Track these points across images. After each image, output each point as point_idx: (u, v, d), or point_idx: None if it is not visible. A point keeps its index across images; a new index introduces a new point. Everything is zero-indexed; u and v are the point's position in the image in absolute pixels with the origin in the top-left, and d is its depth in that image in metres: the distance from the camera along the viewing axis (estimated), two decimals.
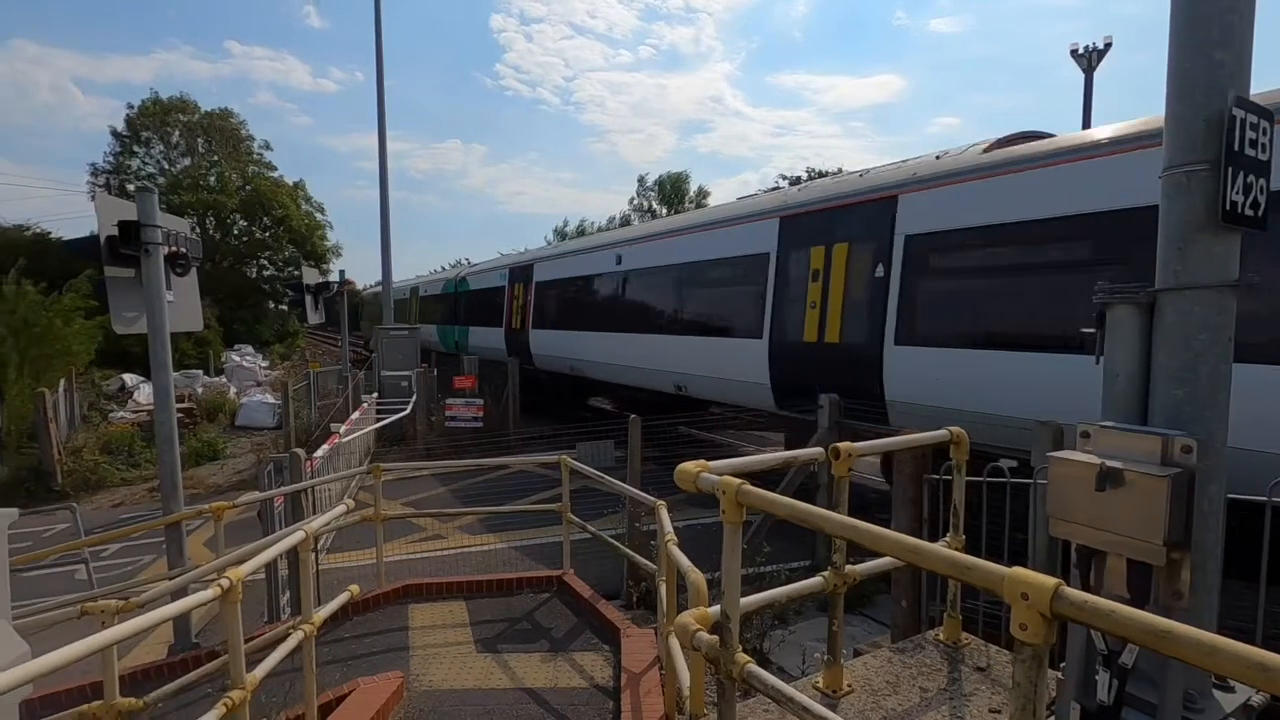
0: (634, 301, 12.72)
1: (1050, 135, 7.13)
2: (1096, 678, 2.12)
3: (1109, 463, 2.03)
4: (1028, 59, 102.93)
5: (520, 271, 17.69)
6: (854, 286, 7.85)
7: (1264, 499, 2.94)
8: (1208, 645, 1.10)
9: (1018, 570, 1.35)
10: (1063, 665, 2.28)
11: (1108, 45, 21.51)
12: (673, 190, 50.64)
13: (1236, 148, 2.03)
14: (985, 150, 7.43)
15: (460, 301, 22.66)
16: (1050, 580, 1.29)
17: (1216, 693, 2.14)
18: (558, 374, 15.70)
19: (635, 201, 52.40)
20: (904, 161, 8.66)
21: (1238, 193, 2.05)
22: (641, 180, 52.44)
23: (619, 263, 13.09)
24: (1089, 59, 21.59)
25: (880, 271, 7.48)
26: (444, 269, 34.83)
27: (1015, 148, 6.96)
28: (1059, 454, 2.20)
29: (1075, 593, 1.29)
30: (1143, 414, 2.21)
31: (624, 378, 12.85)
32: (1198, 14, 2.09)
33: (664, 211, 48.03)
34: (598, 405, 17.52)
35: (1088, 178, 5.82)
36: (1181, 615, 1.89)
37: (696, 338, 10.61)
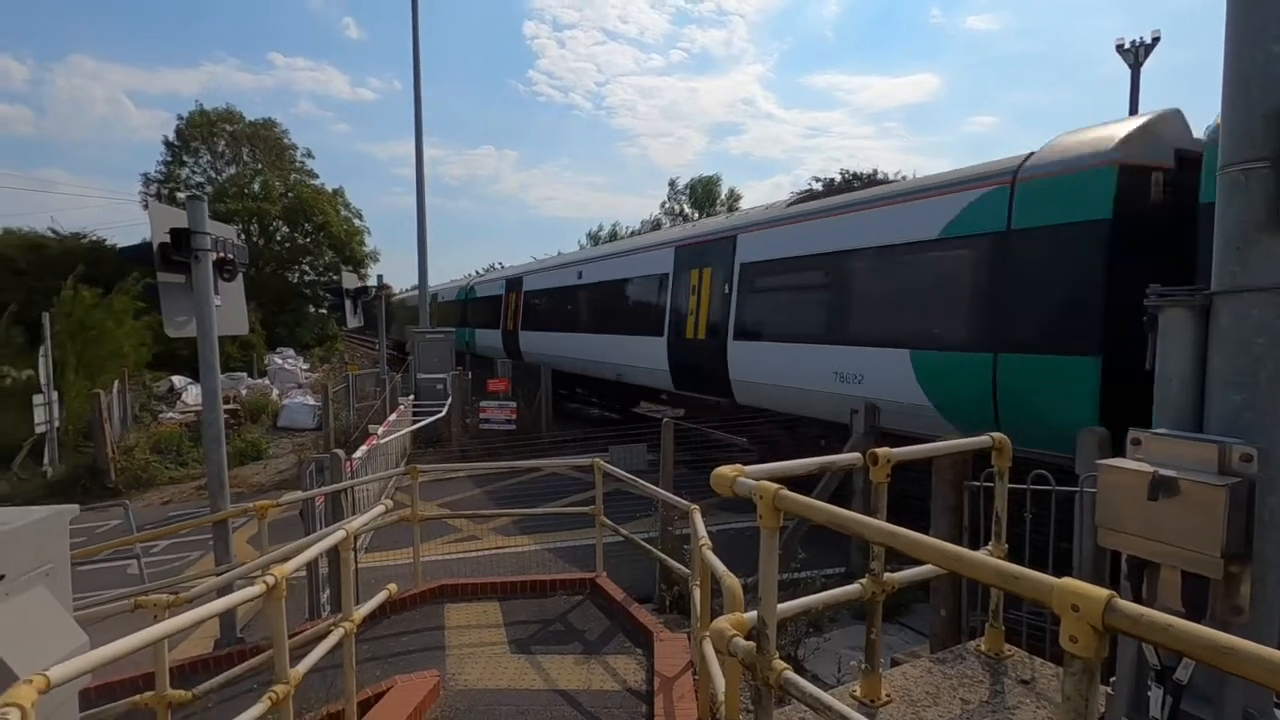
0: (587, 308, 15.88)
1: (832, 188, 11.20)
2: (1149, 694, 2.05)
3: (1162, 471, 1.97)
4: (1067, 55, 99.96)
5: (513, 282, 20.98)
6: (714, 298, 10.73)
7: None
8: (1273, 662, 1.05)
9: (1068, 581, 1.31)
10: (1113, 680, 2.21)
11: (1155, 40, 20.83)
12: (704, 194, 50.55)
13: None
14: (787, 205, 10.55)
15: (468, 308, 26.32)
16: (1103, 592, 1.26)
17: (1278, 712, 2.05)
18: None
19: (666, 205, 52.46)
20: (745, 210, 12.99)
21: None
22: (673, 184, 52.51)
23: (580, 277, 15.98)
24: (1135, 54, 20.93)
25: (726, 289, 10.38)
26: (478, 273, 36.34)
27: (794, 207, 10.12)
28: (1109, 461, 2.14)
29: (1129, 605, 1.25)
30: (1198, 421, 2.13)
31: (585, 369, 15.67)
32: (1256, 7, 2.01)
33: (695, 215, 47.96)
34: (584, 397, 19.47)
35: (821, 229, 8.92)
36: (1240, 630, 1.81)
37: (624, 336, 13.43)
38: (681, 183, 52.04)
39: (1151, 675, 2.03)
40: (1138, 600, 1.96)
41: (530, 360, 18.45)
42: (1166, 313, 2.17)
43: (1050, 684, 2.83)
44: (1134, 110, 20.06)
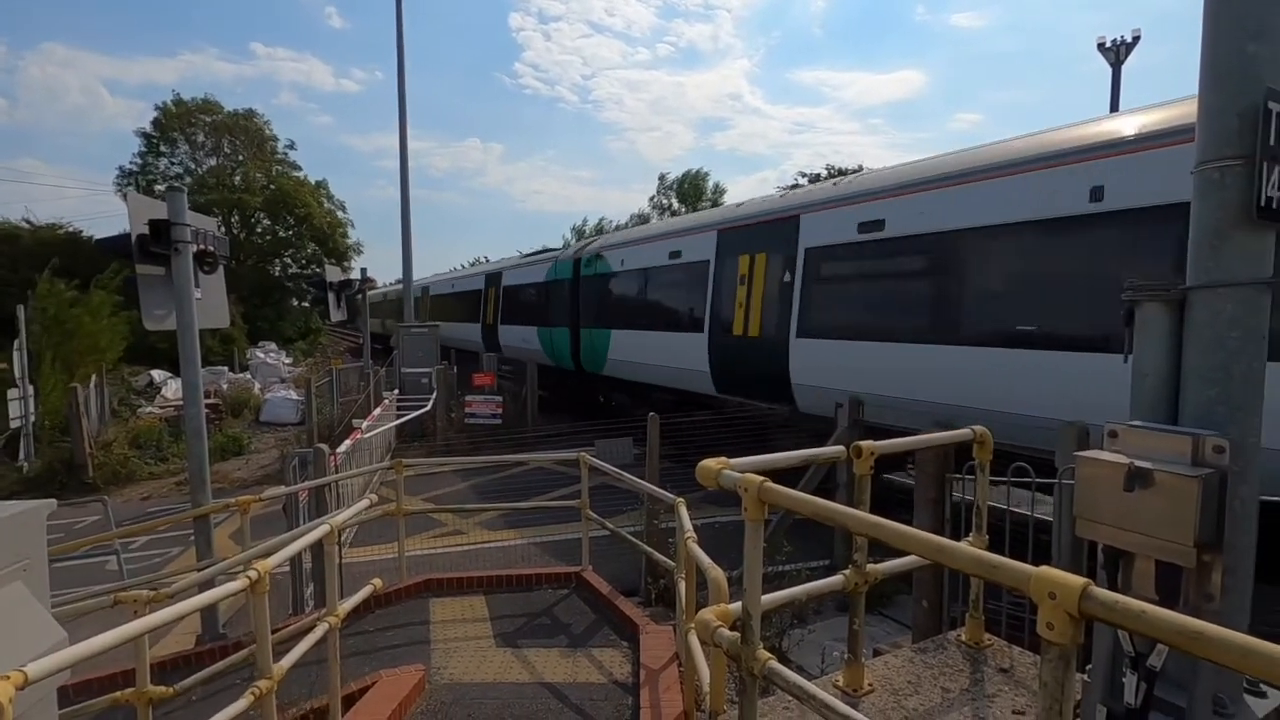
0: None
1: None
2: (1124, 680, 2.09)
3: (1138, 463, 2.00)
4: (1051, 53, 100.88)
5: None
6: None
7: None
8: (1243, 647, 1.08)
9: (1045, 569, 1.34)
10: (1088, 667, 2.25)
11: (1136, 38, 21.09)
12: (691, 189, 50.58)
13: (1273, 142, 1.99)
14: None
15: (433, 303, 27.96)
16: (1078, 580, 1.28)
17: (1248, 697, 2.10)
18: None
19: (655, 199, 52.44)
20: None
21: (1273, 188, 2.01)
22: (662, 178, 52.53)
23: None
24: (1117, 52, 21.17)
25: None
26: (461, 266, 36.96)
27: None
28: (1086, 454, 2.17)
29: (1104, 593, 1.27)
30: (1172, 414, 2.17)
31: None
32: (1231, 5, 2.05)
33: (683, 209, 47.97)
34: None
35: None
36: (1212, 617, 1.86)
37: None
38: (670, 177, 52.09)
39: (1126, 662, 2.07)
40: (1113, 589, 2.00)
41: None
42: (1143, 307, 2.21)
43: (1028, 672, 2.89)
44: (1115, 108, 20.30)
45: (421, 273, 38.22)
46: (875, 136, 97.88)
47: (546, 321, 17.15)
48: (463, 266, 42.71)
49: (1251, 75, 2.01)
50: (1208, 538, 1.90)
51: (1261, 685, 2.12)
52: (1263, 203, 1.99)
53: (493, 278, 21.65)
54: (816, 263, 8.67)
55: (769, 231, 9.65)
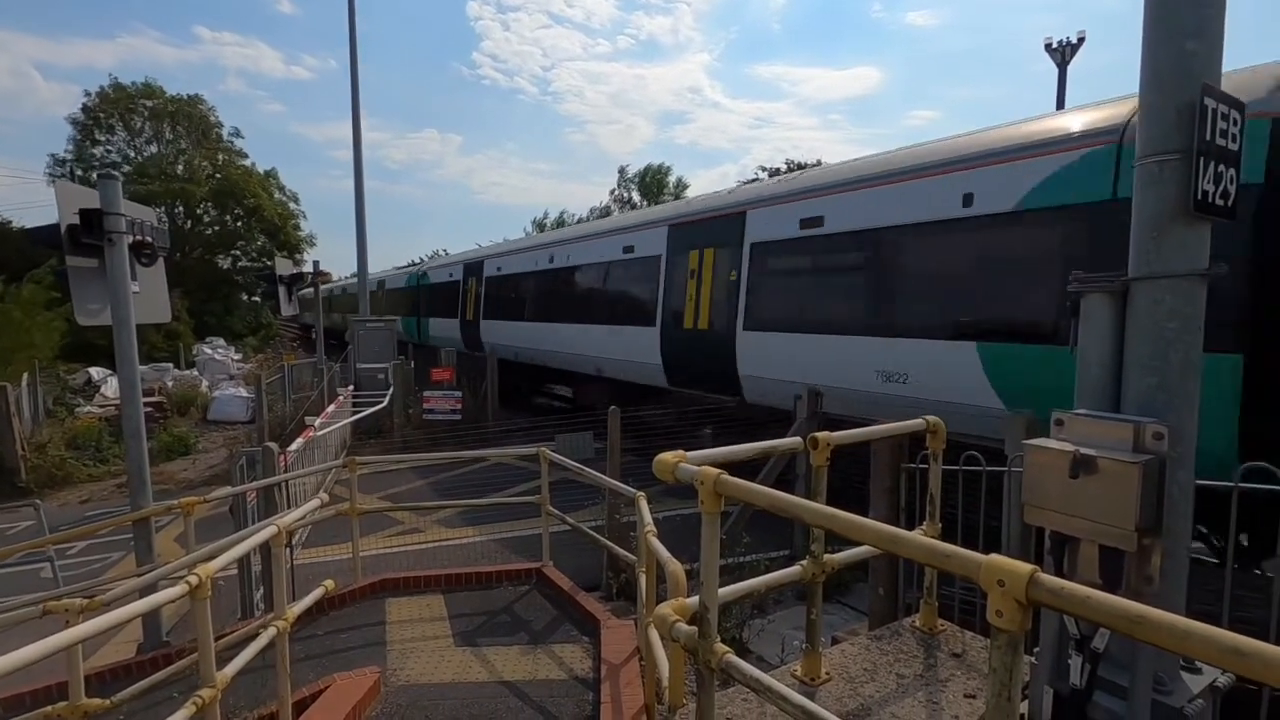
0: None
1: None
2: (1069, 662, 2.15)
3: (1082, 450, 2.05)
4: (1004, 52, 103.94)
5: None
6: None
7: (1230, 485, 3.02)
8: (1181, 630, 1.10)
9: (994, 558, 1.36)
10: (1036, 650, 2.31)
11: (1080, 39, 21.83)
12: (653, 182, 50.57)
13: (1208, 137, 2.05)
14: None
15: (385, 299, 28.06)
16: (1026, 567, 1.30)
17: (1184, 674, 2.18)
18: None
19: (616, 193, 52.26)
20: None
21: (1209, 182, 2.07)
22: (622, 171, 52.34)
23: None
24: (1063, 53, 21.88)
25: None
26: (423, 258, 37.18)
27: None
28: (1034, 442, 2.22)
29: (1051, 579, 1.29)
30: (1116, 402, 2.23)
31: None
32: (1171, 3, 2.10)
33: (644, 203, 47.94)
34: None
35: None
36: (1152, 599, 1.92)
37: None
38: (631, 170, 51.97)
39: (1071, 644, 2.13)
40: (1059, 574, 2.05)
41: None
42: (1088, 298, 2.27)
43: (980, 656, 2.95)
44: (1060, 106, 20.98)
45: (378, 266, 37.52)
46: (834, 132, 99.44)
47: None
48: (423, 259, 42.54)
49: (1190, 72, 2.07)
50: (1148, 522, 1.96)
51: (1197, 662, 2.20)
52: (1199, 196, 2.06)
53: (472, 267, 20.69)
54: (773, 256, 8.88)
55: (717, 227, 9.86)
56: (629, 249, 11.95)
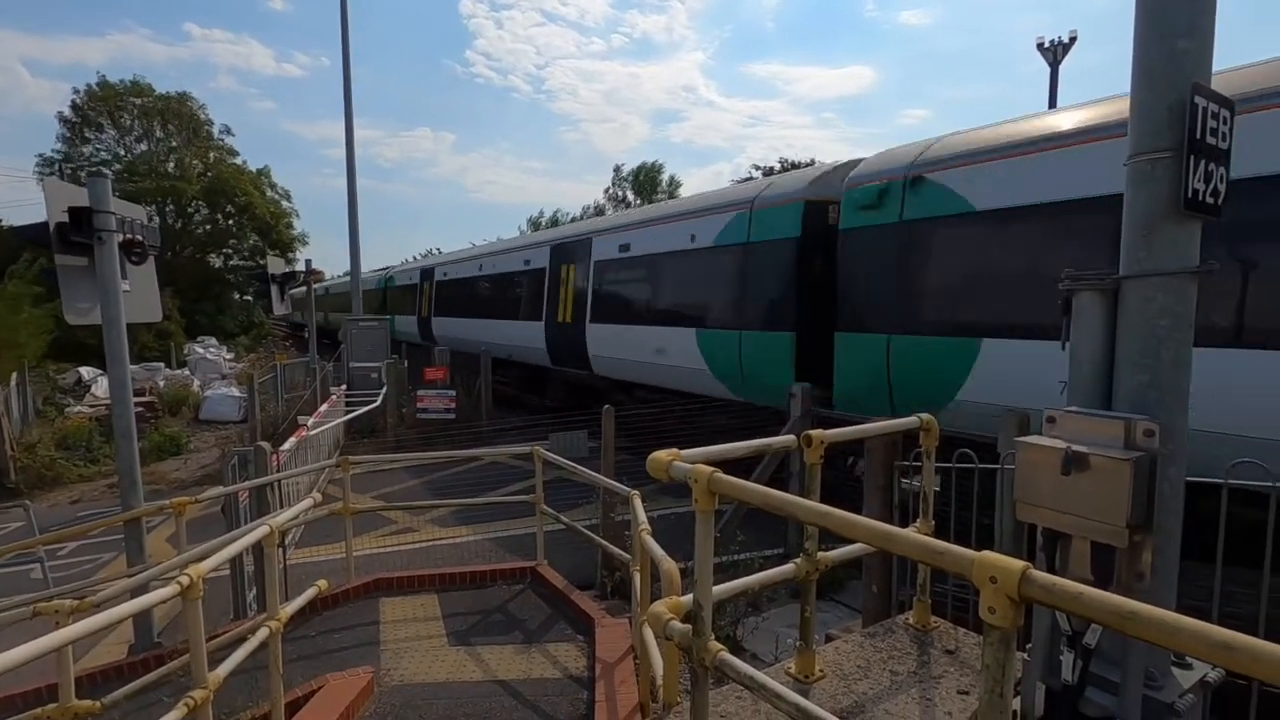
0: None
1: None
2: (1061, 658, 2.16)
3: (1074, 447, 2.06)
4: (997, 52, 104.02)
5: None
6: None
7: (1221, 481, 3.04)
8: (1172, 626, 1.11)
9: (987, 554, 1.36)
10: (1029, 646, 2.32)
11: (1073, 39, 21.91)
12: (646, 181, 50.59)
13: (1199, 136, 2.06)
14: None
15: (386, 295, 30.36)
16: (1018, 564, 1.30)
17: (1175, 670, 2.20)
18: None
19: (610, 191, 52.25)
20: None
21: (1199, 180, 2.08)
22: (617, 170, 52.41)
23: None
24: (1054, 52, 21.96)
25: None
26: (415, 258, 37.87)
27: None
28: (1027, 439, 2.23)
29: (1043, 576, 1.30)
30: (1107, 399, 2.24)
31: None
32: (1162, 4, 2.11)
33: (638, 201, 47.97)
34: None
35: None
36: (1143, 595, 1.93)
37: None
38: (626, 169, 51.97)
39: (1063, 640, 2.14)
40: (1051, 571, 2.06)
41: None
42: (1079, 296, 2.27)
43: (973, 652, 2.97)
44: (1053, 105, 21.07)
45: (370, 265, 37.52)
46: (828, 130, 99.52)
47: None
48: (416, 257, 42.95)
49: (1181, 71, 2.08)
50: (1139, 519, 1.97)
51: (1187, 658, 2.21)
52: (1189, 194, 2.07)
53: (426, 272, 25.28)
54: (603, 271, 12.46)
55: (577, 248, 13.40)
56: (527, 262, 15.67)
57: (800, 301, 8.36)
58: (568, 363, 13.56)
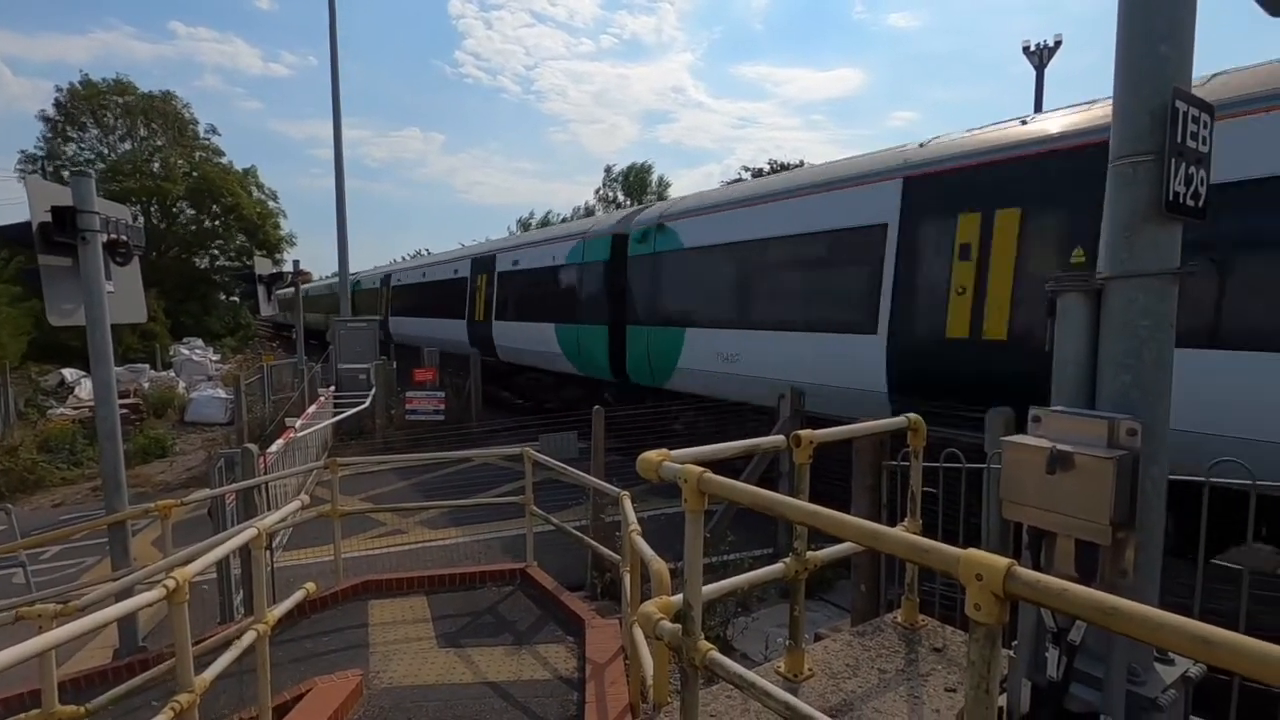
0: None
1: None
2: (1047, 655, 2.18)
3: (1059, 446, 2.09)
4: (984, 54, 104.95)
5: (385, 278, 28.36)
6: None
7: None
8: (1153, 621, 1.13)
9: (972, 552, 1.37)
10: (1014, 644, 2.34)
11: (1058, 43, 22.14)
12: (636, 182, 50.60)
13: (1180, 140, 2.09)
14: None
15: (328, 302, 32.66)
16: (1003, 561, 1.32)
17: (1158, 665, 2.23)
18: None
19: (601, 192, 52.22)
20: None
21: (1180, 183, 2.11)
22: (608, 171, 52.38)
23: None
24: (1040, 56, 22.18)
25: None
26: (406, 257, 38.46)
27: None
28: (1012, 438, 2.25)
29: (1027, 573, 1.31)
30: (1091, 399, 2.27)
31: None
32: (1146, 8, 2.14)
33: (628, 202, 47.98)
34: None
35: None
36: (1126, 592, 1.95)
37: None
38: (616, 170, 51.96)
39: (1049, 637, 2.17)
40: (1037, 568, 2.08)
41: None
42: (1063, 298, 2.30)
43: (960, 650, 2.99)
44: (1039, 109, 21.26)
45: (358, 266, 37.27)
46: (817, 132, 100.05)
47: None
48: (406, 258, 43.28)
49: (1162, 76, 2.11)
50: (1122, 517, 2.00)
51: (1170, 654, 2.24)
52: (1171, 197, 2.10)
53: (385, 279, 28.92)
54: (503, 281, 16.45)
55: (488, 261, 17.41)
56: (455, 271, 19.59)
57: (611, 305, 11.95)
58: (482, 349, 17.11)
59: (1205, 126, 2.20)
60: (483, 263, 17.67)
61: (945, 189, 6.64)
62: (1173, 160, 2.09)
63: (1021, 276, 5.93)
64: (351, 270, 21.26)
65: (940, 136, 7.35)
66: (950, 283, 6.43)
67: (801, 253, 8.32)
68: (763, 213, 8.85)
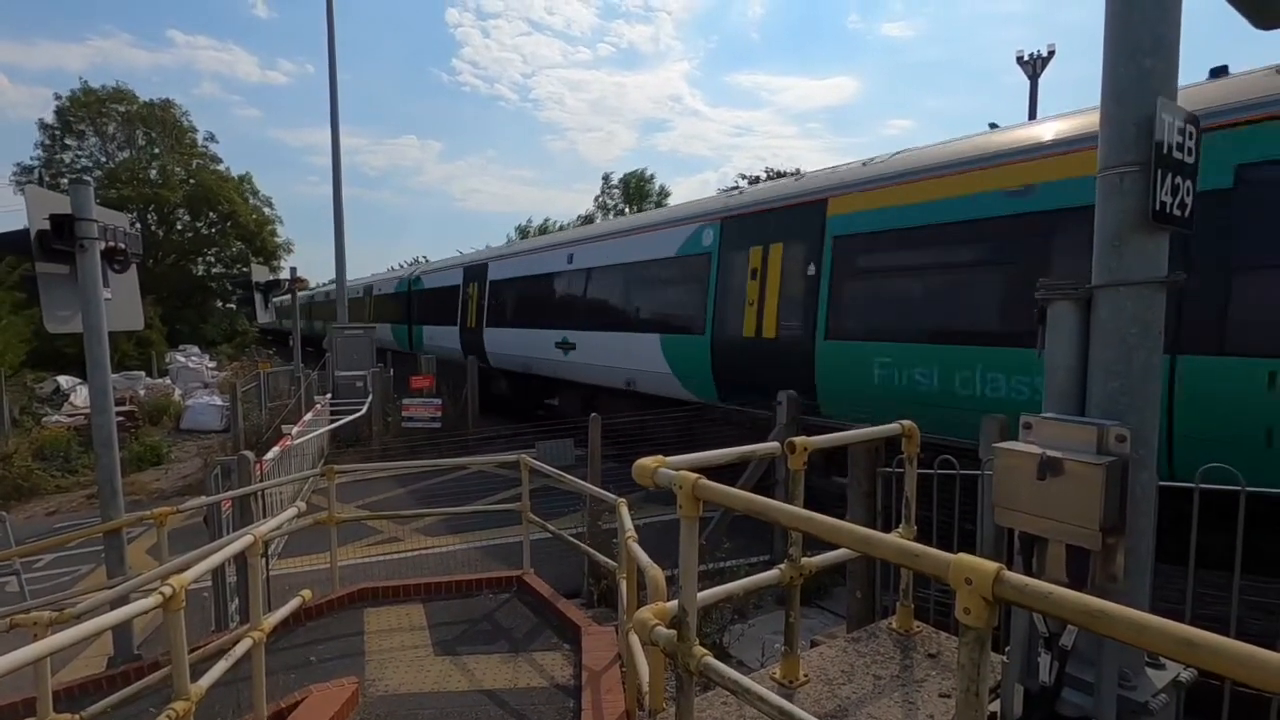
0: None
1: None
2: (1039, 660, 2.20)
3: (1049, 452, 2.11)
4: (978, 64, 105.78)
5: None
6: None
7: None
8: (1138, 624, 1.15)
9: (962, 556, 1.39)
10: (1007, 649, 2.36)
11: (1051, 53, 22.33)
12: (636, 189, 50.74)
13: (1165, 150, 2.13)
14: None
15: (314, 310, 34.63)
16: (992, 565, 1.34)
17: (1149, 670, 2.25)
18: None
19: (600, 199, 52.36)
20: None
21: (1167, 193, 2.15)
22: (606, 178, 52.51)
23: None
24: (1034, 65, 22.36)
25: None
26: (401, 265, 39.62)
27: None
28: (1004, 445, 2.28)
29: (1016, 576, 1.33)
30: (1081, 406, 2.30)
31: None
32: (1130, 22, 2.18)
33: (627, 209, 48.09)
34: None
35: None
36: (1116, 597, 1.97)
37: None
38: (615, 178, 52.12)
39: (1040, 642, 2.18)
40: (1029, 574, 2.10)
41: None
42: (1054, 305, 2.33)
43: (954, 656, 3.00)
44: (1032, 117, 21.40)
45: (356, 274, 37.38)
46: (813, 140, 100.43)
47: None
48: (400, 266, 43.60)
49: (1148, 88, 2.15)
50: (1111, 522, 2.02)
51: (1160, 658, 2.26)
52: (1157, 207, 2.13)
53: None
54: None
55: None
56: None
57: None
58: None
59: (1190, 137, 2.24)
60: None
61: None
62: (1159, 171, 2.12)
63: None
64: (358, 275, 21.74)
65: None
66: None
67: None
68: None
